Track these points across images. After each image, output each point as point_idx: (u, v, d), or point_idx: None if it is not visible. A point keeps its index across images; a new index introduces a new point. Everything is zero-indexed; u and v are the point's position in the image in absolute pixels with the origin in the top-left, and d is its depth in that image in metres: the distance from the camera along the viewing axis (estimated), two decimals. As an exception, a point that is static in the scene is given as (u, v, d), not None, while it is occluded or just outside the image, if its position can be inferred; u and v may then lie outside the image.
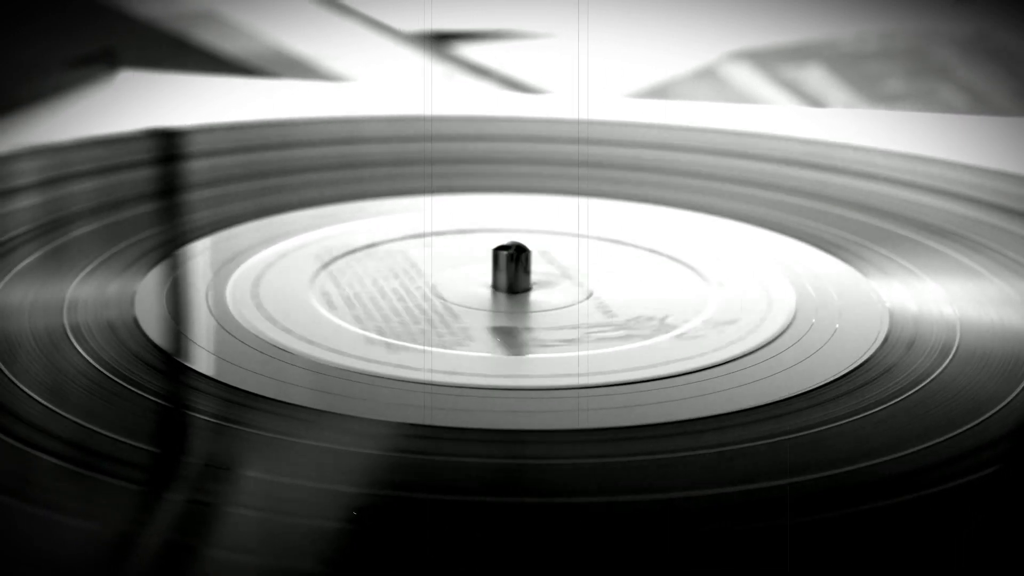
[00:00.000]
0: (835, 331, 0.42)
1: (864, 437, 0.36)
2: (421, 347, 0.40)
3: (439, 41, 0.81)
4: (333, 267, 0.46)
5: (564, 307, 0.44)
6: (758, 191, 0.54)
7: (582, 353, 0.40)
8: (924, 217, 0.51)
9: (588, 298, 0.44)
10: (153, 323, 0.41)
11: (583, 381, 0.39)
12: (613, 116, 0.65)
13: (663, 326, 0.42)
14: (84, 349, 0.39)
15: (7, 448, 0.34)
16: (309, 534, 0.32)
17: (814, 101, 0.76)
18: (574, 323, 0.42)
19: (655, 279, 0.46)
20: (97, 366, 0.38)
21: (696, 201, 0.53)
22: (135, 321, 0.41)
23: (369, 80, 0.76)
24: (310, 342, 0.41)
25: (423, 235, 0.49)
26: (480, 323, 0.42)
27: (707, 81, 0.77)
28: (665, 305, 0.44)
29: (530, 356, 0.40)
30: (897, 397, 0.38)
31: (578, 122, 0.63)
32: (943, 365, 0.40)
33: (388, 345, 0.40)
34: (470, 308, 0.43)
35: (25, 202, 0.51)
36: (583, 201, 0.53)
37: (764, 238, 0.49)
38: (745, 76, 0.77)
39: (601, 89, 0.77)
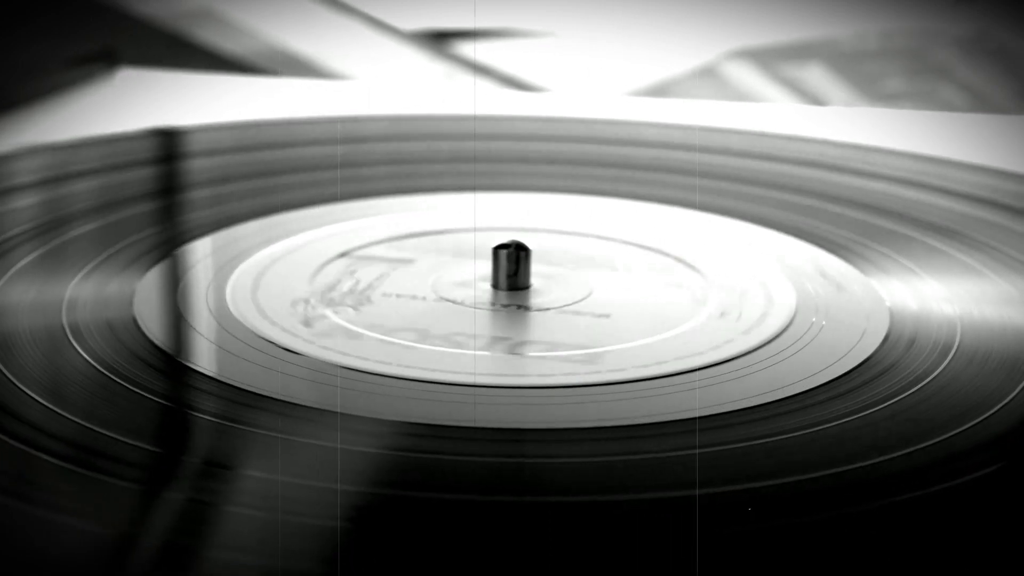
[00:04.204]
0: (863, 333, 0.42)
1: (864, 436, 0.36)
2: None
3: (439, 40, 0.81)
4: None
5: (564, 306, 0.44)
6: (758, 190, 0.54)
7: (581, 353, 0.40)
8: (924, 215, 0.51)
9: (587, 297, 0.44)
10: (152, 322, 0.41)
11: (583, 380, 0.39)
12: (613, 115, 0.65)
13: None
14: (83, 348, 0.39)
15: (7, 448, 0.34)
16: (309, 534, 0.32)
17: (814, 100, 0.76)
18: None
19: (655, 281, 0.46)
20: (96, 365, 0.38)
21: (696, 200, 0.53)
22: (134, 320, 0.41)
23: (370, 79, 0.76)
24: (310, 342, 0.41)
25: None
26: (479, 322, 0.42)
27: (707, 80, 0.77)
28: (656, 310, 0.44)
29: (531, 355, 0.40)
30: (897, 396, 0.38)
31: (578, 121, 0.63)
32: (943, 364, 0.40)
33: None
34: (470, 307, 0.43)
35: (24, 201, 0.51)
36: (582, 200, 0.53)
37: (764, 237, 0.49)
38: (745, 75, 0.77)
39: (601, 88, 0.77)
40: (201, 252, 0.47)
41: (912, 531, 0.32)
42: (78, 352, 0.39)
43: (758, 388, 0.38)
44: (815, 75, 0.78)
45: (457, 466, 0.35)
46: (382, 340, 0.41)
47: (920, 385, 0.38)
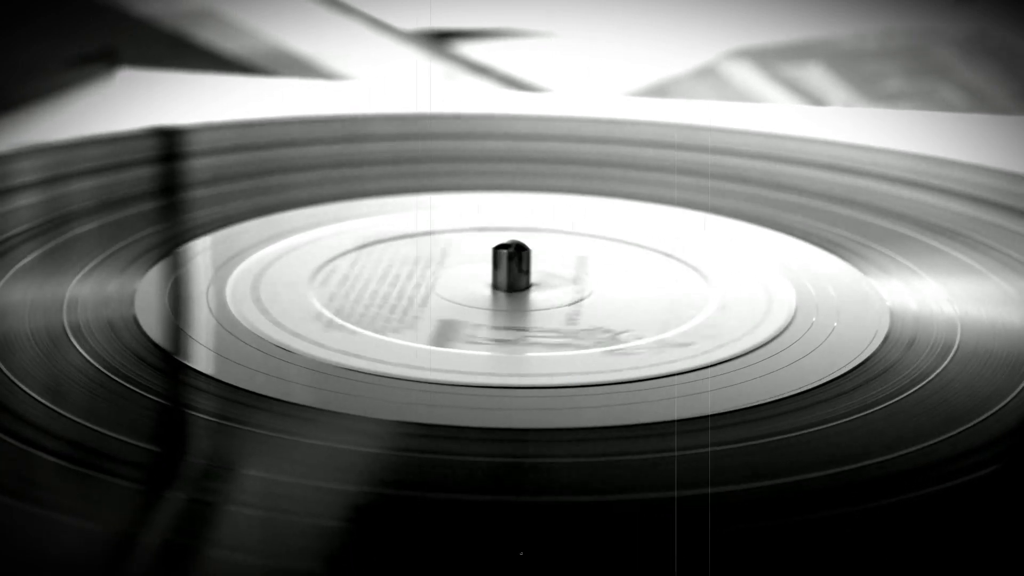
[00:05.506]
0: (833, 329, 0.42)
1: (864, 436, 0.36)
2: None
3: (439, 40, 0.81)
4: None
5: (563, 306, 0.44)
6: (758, 190, 0.54)
7: (581, 352, 0.40)
8: (924, 216, 0.51)
9: (587, 298, 0.44)
10: (153, 322, 0.41)
11: (583, 380, 0.39)
12: (613, 114, 0.65)
13: (613, 339, 0.42)
14: (84, 348, 0.39)
15: (7, 448, 0.34)
16: (309, 533, 0.32)
17: (814, 100, 0.76)
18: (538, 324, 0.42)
19: (655, 281, 0.46)
20: (97, 365, 0.38)
21: (696, 200, 0.53)
22: (135, 320, 0.41)
23: (369, 79, 0.76)
24: (310, 341, 0.41)
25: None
26: (480, 321, 0.42)
27: (707, 80, 0.77)
28: (652, 313, 0.44)
29: (530, 355, 0.40)
30: (897, 396, 0.38)
31: (578, 121, 0.63)
32: (943, 364, 0.40)
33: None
34: (470, 307, 0.43)
35: (25, 201, 0.51)
36: (583, 200, 0.53)
37: (764, 237, 0.49)
38: (745, 75, 0.77)
39: (601, 88, 0.77)
40: (201, 252, 0.47)
41: (911, 531, 0.32)
42: (79, 352, 0.39)
43: (758, 388, 0.38)
44: (815, 75, 0.78)
45: (456, 466, 0.35)
46: None
47: (920, 385, 0.38)
